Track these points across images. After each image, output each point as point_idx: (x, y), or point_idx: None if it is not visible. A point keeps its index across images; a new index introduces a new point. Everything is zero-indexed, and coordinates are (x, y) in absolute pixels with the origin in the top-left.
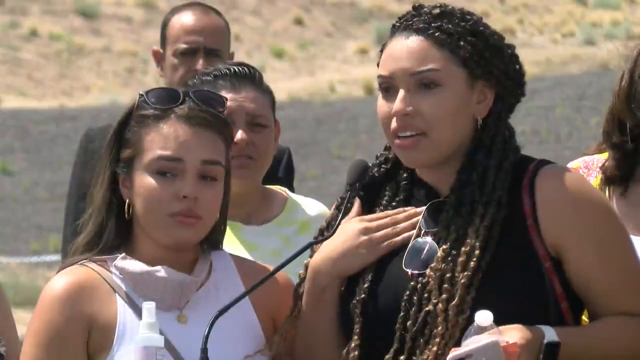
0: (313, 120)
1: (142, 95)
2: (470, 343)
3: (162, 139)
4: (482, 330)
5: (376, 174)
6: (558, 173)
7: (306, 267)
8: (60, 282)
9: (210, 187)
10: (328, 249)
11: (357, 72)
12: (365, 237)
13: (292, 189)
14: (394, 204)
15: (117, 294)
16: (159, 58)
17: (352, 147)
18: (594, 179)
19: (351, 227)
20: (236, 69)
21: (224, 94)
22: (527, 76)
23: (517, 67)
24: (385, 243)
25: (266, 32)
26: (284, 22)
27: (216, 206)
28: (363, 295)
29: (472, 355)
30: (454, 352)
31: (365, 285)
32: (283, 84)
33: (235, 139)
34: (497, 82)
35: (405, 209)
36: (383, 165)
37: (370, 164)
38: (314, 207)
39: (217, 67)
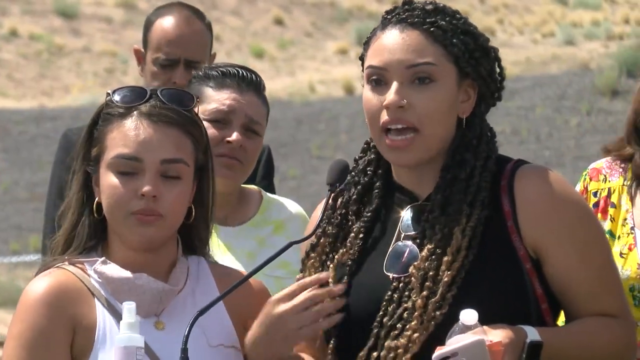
0: (293, 120)
1: (109, 93)
2: (455, 342)
3: (122, 137)
4: (467, 329)
5: (364, 179)
6: (536, 173)
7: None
8: (41, 284)
9: (173, 186)
10: (257, 337)
11: (337, 72)
12: (290, 326)
13: (272, 186)
14: (369, 213)
15: (95, 298)
16: (140, 57)
17: (332, 147)
18: (617, 179)
19: (272, 315)
20: (244, 73)
21: (229, 92)
22: (507, 76)
23: (499, 69)
24: (314, 325)
25: (246, 32)
26: (264, 22)
27: (180, 204)
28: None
29: (457, 353)
30: (440, 350)
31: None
32: None
33: (229, 138)
34: (482, 82)
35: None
36: (369, 168)
37: (352, 170)
38: (289, 207)
39: (225, 65)
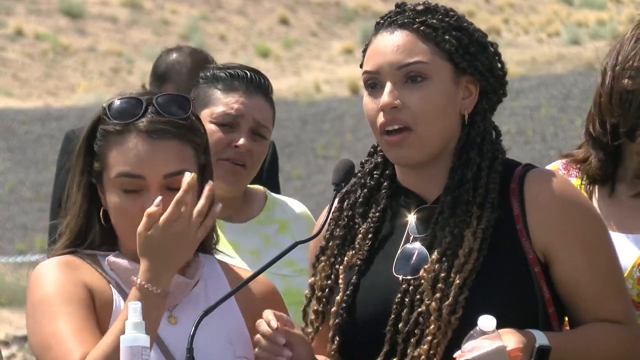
0: (298, 119)
1: (104, 107)
2: (471, 347)
3: (123, 156)
4: (482, 334)
5: (371, 182)
6: (546, 177)
7: (311, 286)
8: (54, 260)
9: None
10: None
11: (343, 71)
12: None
13: (276, 182)
14: (377, 214)
15: (110, 285)
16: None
17: (337, 147)
18: (574, 180)
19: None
20: (253, 76)
21: (237, 96)
22: (513, 76)
23: (500, 64)
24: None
25: (251, 31)
26: (269, 21)
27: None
28: (341, 317)
29: None
30: (461, 358)
31: (345, 299)
32: None
33: (237, 143)
34: (481, 77)
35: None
36: (375, 172)
37: (358, 173)
38: (294, 207)
39: (234, 66)
